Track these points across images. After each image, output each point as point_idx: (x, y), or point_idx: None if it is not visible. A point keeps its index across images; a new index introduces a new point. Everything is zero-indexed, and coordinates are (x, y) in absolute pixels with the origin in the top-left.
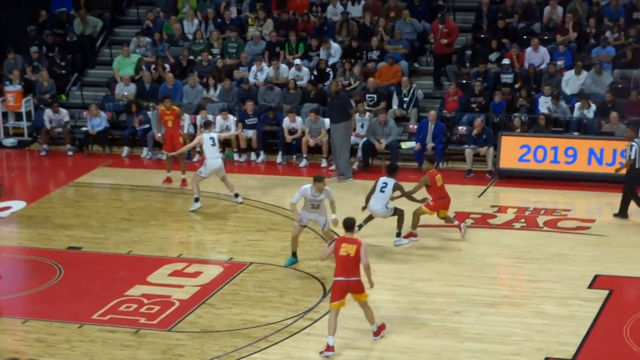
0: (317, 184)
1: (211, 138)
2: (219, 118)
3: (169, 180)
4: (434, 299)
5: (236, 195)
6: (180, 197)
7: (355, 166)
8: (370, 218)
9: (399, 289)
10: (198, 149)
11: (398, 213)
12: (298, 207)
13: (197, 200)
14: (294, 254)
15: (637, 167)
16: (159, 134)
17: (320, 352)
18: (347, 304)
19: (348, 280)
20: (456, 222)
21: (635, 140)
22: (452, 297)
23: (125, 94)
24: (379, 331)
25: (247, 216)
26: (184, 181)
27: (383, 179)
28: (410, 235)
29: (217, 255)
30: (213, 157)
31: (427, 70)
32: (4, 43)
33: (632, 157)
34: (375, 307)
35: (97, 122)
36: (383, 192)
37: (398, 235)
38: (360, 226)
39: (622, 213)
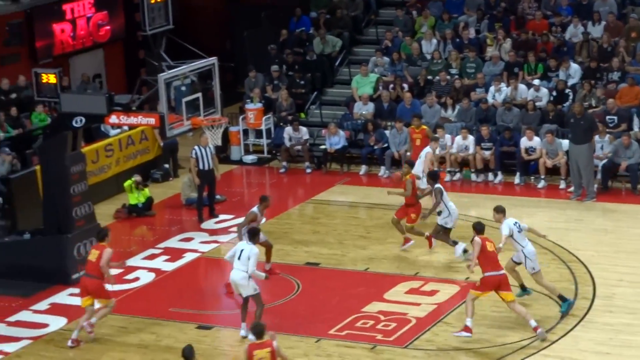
0: None
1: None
2: (458, 138)
3: None
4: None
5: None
6: None
7: (594, 188)
8: None
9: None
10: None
11: None
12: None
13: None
14: None
15: None
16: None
17: (457, 333)
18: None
19: (499, 275)
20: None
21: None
22: None
23: (364, 112)
24: (538, 326)
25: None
26: None
27: None
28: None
29: (454, 274)
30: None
31: None
32: (245, 61)
33: None
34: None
35: (336, 140)
36: None
37: None
38: None
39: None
